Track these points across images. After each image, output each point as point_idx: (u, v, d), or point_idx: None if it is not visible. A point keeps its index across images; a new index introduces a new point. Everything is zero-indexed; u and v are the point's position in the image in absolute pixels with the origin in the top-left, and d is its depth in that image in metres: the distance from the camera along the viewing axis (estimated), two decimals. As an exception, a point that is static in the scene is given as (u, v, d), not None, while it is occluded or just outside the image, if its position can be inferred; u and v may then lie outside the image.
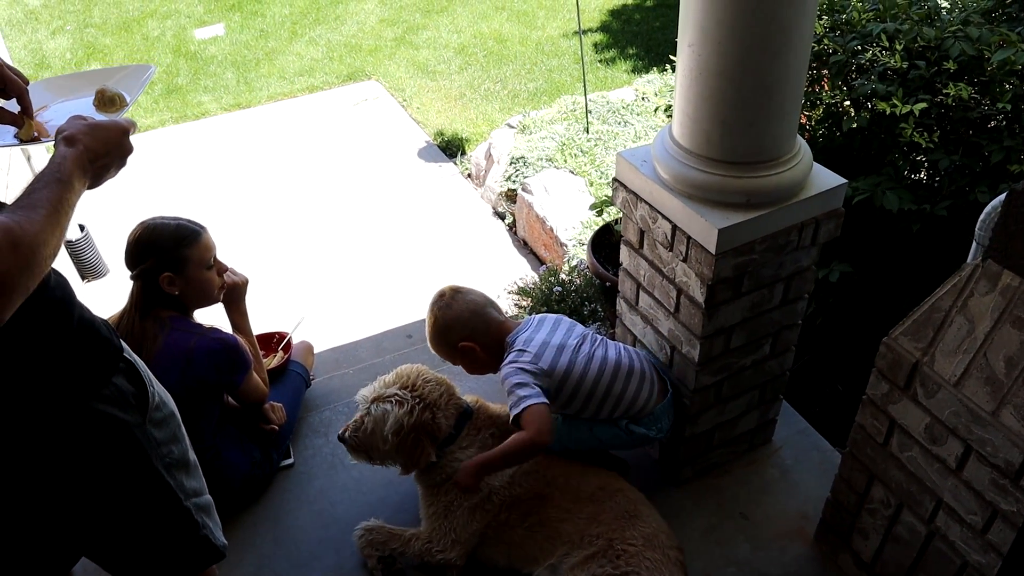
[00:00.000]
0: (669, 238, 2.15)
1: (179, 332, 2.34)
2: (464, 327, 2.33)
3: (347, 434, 2.39)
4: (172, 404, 1.77)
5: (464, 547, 2.34)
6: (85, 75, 1.82)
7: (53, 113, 1.67)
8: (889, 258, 2.87)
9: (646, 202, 2.20)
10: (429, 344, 2.42)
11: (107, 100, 1.67)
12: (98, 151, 1.37)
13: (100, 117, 1.54)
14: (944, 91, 2.73)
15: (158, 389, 1.71)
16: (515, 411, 2.16)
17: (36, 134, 1.56)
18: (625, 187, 2.27)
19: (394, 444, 2.29)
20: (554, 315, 2.46)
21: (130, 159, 1.46)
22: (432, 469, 2.38)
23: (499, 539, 2.34)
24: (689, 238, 2.07)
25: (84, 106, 1.66)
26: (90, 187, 1.38)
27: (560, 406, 2.33)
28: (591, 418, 2.36)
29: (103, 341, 1.56)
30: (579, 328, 2.42)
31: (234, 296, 2.64)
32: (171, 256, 2.32)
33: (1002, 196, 1.80)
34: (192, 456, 1.81)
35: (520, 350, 2.26)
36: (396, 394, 2.31)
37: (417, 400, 2.31)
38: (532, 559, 2.29)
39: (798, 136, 2.11)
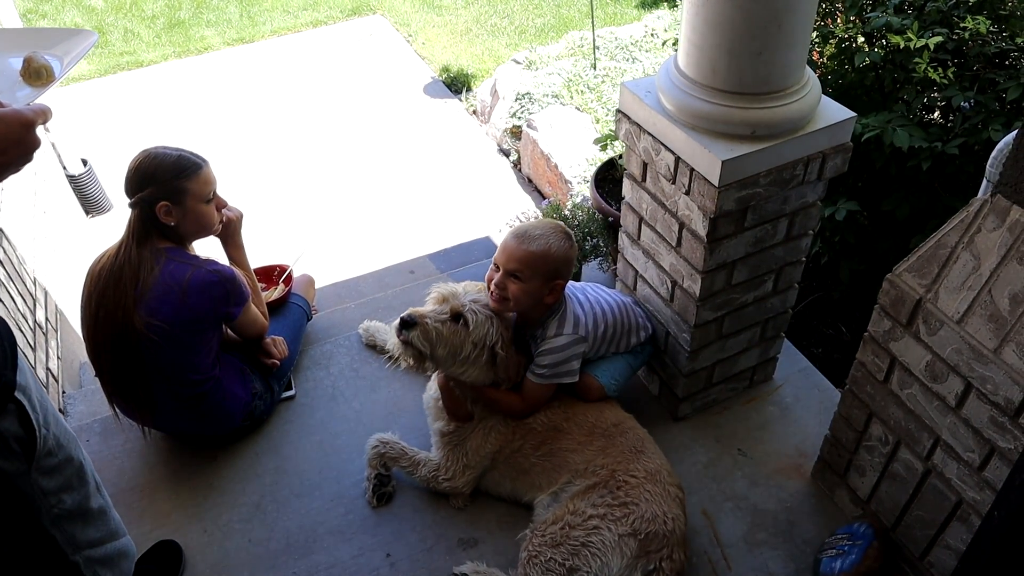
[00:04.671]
0: (672, 170, 2.11)
1: (175, 263, 2.33)
2: (568, 269, 2.29)
3: (428, 320, 2.20)
4: (72, 448, 1.58)
5: (473, 472, 2.39)
6: (18, 33, 1.62)
7: None
8: (897, 198, 2.82)
9: (649, 134, 2.15)
10: (519, 252, 2.21)
11: (33, 72, 1.45)
12: None
13: (21, 88, 1.39)
14: (961, 25, 2.65)
15: (55, 431, 1.51)
16: (542, 380, 2.32)
17: None
18: (628, 118, 2.22)
19: (480, 354, 2.27)
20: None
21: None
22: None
23: (509, 464, 2.39)
24: (692, 170, 2.03)
25: (9, 71, 1.47)
26: None
27: (595, 352, 2.44)
28: (619, 352, 2.50)
29: None
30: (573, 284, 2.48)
31: (229, 231, 2.62)
32: (170, 186, 2.30)
33: (1015, 132, 1.75)
34: (97, 502, 1.63)
35: (582, 337, 2.34)
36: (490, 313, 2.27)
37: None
38: (536, 487, 2.34)
39: (807, 67, 2.05)
